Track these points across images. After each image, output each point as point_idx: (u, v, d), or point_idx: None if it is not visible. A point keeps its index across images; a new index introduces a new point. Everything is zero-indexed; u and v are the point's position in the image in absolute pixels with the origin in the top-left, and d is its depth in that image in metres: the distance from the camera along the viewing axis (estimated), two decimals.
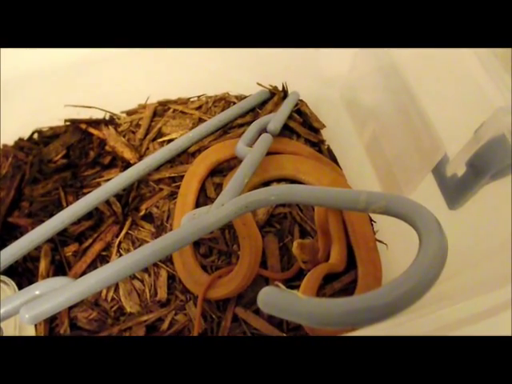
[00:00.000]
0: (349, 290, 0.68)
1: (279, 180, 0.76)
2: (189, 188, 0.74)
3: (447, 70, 0.53)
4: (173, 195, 0.76)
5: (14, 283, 0.66)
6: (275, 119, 0.76)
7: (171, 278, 0.70)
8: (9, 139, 0.84)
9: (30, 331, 0.65)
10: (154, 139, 0.83)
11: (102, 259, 0.72)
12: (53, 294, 0.49)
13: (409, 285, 0.34)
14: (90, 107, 0.85)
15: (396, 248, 0.69)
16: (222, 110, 0.85)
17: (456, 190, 0.52)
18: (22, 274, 0.70)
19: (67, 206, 0.73)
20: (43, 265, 0.69)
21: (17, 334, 0.62)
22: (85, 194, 0.74)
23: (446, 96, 0.54)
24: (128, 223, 0.74)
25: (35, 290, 0.51)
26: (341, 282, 0.68)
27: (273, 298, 0.36)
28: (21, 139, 0.85)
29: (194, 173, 0.75)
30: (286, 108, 0.80)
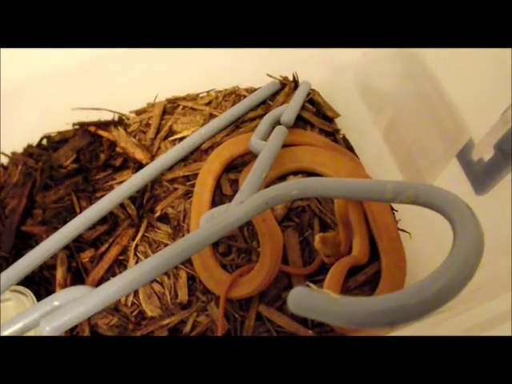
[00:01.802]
0: (373, 281, 0.66)
1: (296, 173, 0.75)
2: (204, 186, 0.73)
3: (469, 52, 0.51)
4: (188, 194, 0.75)
5: (31, 293, 0.65)
6: (288, 110, 0.74)
7: (191, 278, 0.68)
8: (18, 146, 0.83)
9: None
10: (165, 138, 0.82)
11: (120, 264, 0.71)
12: (73, 305, 0.47)
13: (447, 278, 0.33)
14: (97, 109, 0.83)
15: (420, 237, 0.67)
16: (233, 104, 0.84)
17: (484, 175, 0.50)
18: (39, 283, 0.69)
19: (80, 211, 0.72)
20: (60, 273, 0.68)
21: None
22: (98, 197, 0.73)
23: (469, 78, 0.52)
24: (144, 225, 0.72)
25: (54, 300, 0.49)
26: (364, 273, 0.67)
27: (305, 300, 0.35)
28: (30, 146, 0.84)
29: (209, 170, 0.74)
30: (298, 98, 0.79)
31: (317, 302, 0.34)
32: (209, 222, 0.52)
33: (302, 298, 0.35)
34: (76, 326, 0.66)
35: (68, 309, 0.48)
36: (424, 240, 0.66)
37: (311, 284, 0.36)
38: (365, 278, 0.67)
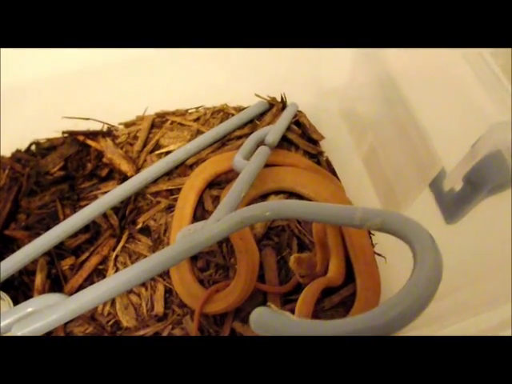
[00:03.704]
0: (347, 303, 0.67)
1: (277, 192, 0.76)
2: (186, 201, 0.74)
3: (444, 84, 0.53)
4: (170, 208, 0.76)
5: (9, 298, 0.66)
6: (273, 131, 0.75)
7: (168, 291, 0.69)
8: (6, 151, 0.84)
9: None
10: (151, 151, 0.83)
11: (99, 273, 0.71)
12: (46, 312, 0.48)
13: (404, 305, 0.34)
14: (87, 119, 0.84)
15: (395, 261, 0.68)
16: (221, 122, 0.85)
17: (453, 205, 0.51)
18: (18, 287, 0.69)
19: (64, 218, 0.72)
20: (39, 279, 0.68)
21: None
22: (82, 206, 0.73)
23: (442, 109, 0.54)
24: (125, 236, 0.73)
25: (28, 307, 0.51)
26: (339, 295, 0.68)
27: (265, 320, 0.36)
28: (18, 151, 0.84)
29: (192, 185, 0.75)
30: (284, 120, 0.80)
31: (275, 322, 0.35)
32: (185, 237, 0.53)
33: (261, 318, 0.36)
34: (51, 333, 0.66)
35: (41, 315, 0.49)
36: (399, 264, 0.67)
37: (272, 304, 0.37)
38: (340, 299, 0.68)
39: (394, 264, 0.68)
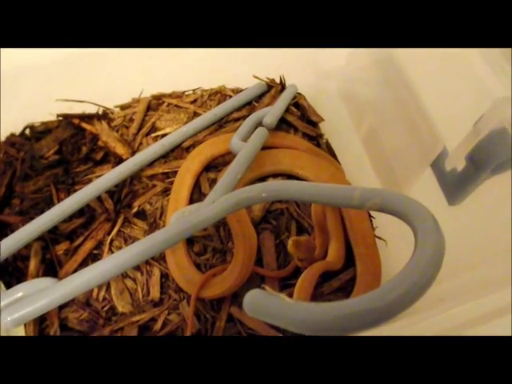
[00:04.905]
0: (347, 287, 0.66)
1: (276, 175, 0.74)
2: (182, 184, 0.72)
3: (445, 61, 0.51)
4: (166, 191, 0.74)
5: (1, 283, 0.65)
6: (271, 113, 0.74)
7: (164, 276, 0.68)
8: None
9: (20, 333, 0.63)
10: (147, 134, 0.82)
11: (94, 257, 0.70)
12: (35, 297, 0.47)
13: (404, 287, 0.33)
14: (82, 101, 0.83)
15: (396, 244, 0.67)
16: (218, 104, 0.84)
17: (456, 185, 0.50)
18: (12, 273, 0.68)
19: (59, 203, 0.71)
20: (33, 264, 0.67)
21: (5, 335, 0.61)
22: (76, 190, 0.72)
23: (444, 88, 0.52)
24: (120, 220, 0.72)
25: (18, 291, 0.50)
26: (339, 279, 0.66)
27: (259, 302, 0.34)
28: (12, 135, 0.83)
29: (188, 168, 0.73)
30: (282, 101, 0.78)
31: (270, 305, 0.34)
32: (179, 220, 0.52)
33: (256, 301, 0.35)
34: (45, 319, 0.65)
35: (31, 300, 0.48)
36: (399, 248, 0.66)
37: (267, 287, 0.36)
38: (339, 283, 0.66)
39: (395, 248, 0.67)
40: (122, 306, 0.66)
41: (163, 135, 0.80)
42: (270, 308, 0.33)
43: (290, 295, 0.60)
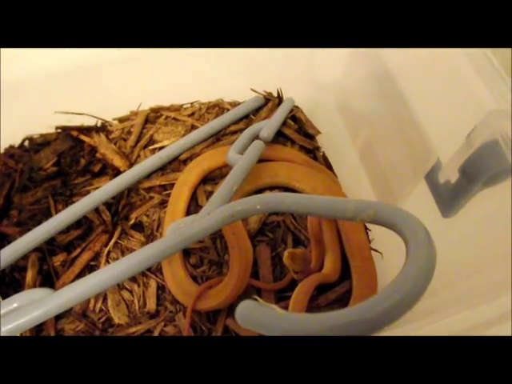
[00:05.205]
0: (343, 300, 0.66)
1: (272, 188, 0.75)
2: (179, 196, 0.73)
3: (439, 75, 0.52)
4: (163, 204, 0.75)
5: None
6: (268, 126, 0.74)
7: (161, 288, 0.68)
8: None
9: None
10: (145, 146, 0.82)
11: (91, 269, 0.70)
12: (30, 307, 0.47)
13: (394, 298, 0.33)
14: (81, 114, 0.83)
15: (392, 257, 0.67)
16: (216, 117, 0.84)
17: (449, 198, 0.50)
18: (9, 284, 0.68)
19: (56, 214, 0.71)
20: (30, 275, 0.67)
21: None
22: (74, 202, 0.72)
23: (438, 101, 0.53)
24: (117, 232, 0.72)
25: (13, 302, 0.50)
26: (335, 292, 0.66)
27: (251, 313, 0.35)
28: (11, 146, 0.84)
29: (185, 181, 0.74)
30: (279, 114, 0.79)
31: (262, 316, 0.34)
32: (175, 231, 0.52)
33: (248, 312, 0.35)
34: (42, 330, 0.65)
35: (26, 310, 0.48)
36: (395, 260, 0.66)
37: (258, 298, 0.36)
38: (335, 296, 0.66)
39: (391, 260, 0.67)
40: (118, 317, 0.66)
41: (161, 148, 0.80)
42: (261, 319, 0.34)
43: (286, 307, 0.60)
